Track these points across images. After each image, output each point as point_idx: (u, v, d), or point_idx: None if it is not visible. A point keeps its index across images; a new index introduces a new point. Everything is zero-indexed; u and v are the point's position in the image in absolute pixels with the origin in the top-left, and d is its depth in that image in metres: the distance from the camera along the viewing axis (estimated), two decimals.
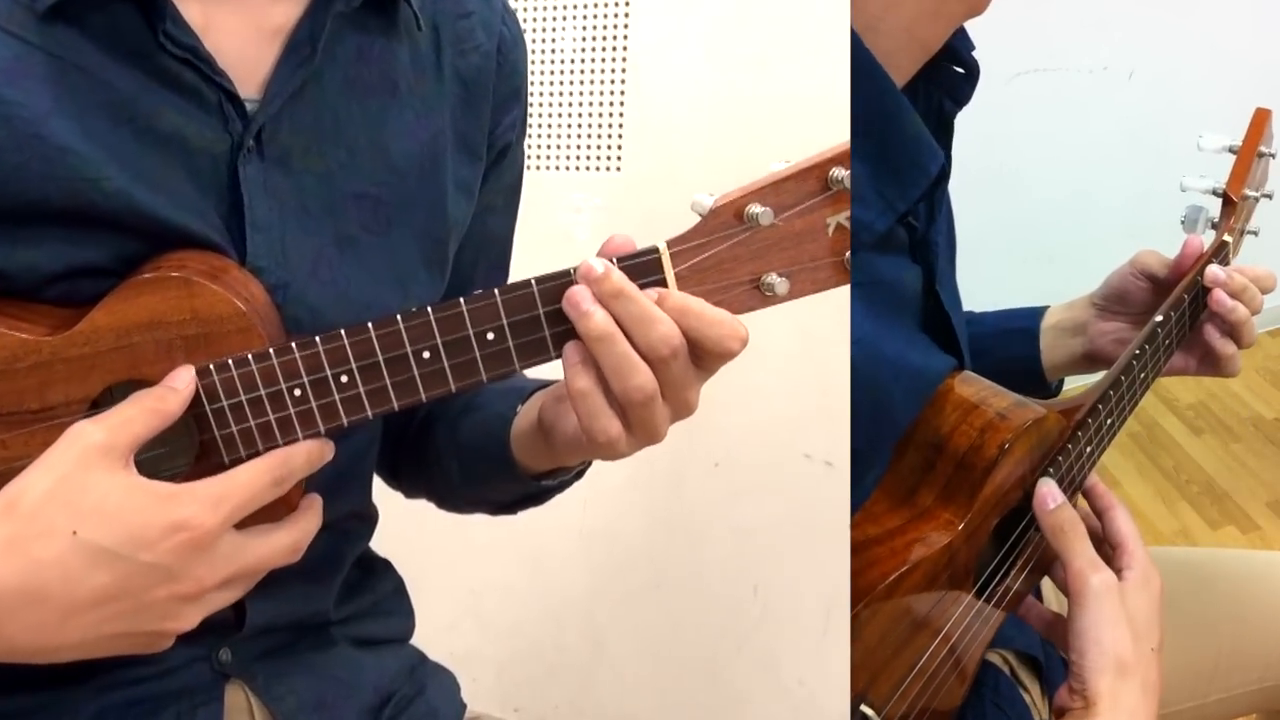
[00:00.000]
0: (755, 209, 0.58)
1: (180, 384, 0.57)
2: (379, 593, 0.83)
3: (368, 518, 0.82)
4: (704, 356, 0.59)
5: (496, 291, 0.58)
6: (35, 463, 0.54)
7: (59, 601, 0.53)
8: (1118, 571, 0.73)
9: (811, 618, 1.42)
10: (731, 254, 0.59)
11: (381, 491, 0.84)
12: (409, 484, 0.85)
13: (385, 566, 0.85)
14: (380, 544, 0.84)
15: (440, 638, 0.89)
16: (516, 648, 1.60)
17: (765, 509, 1.43)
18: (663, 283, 0.59)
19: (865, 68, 0.67)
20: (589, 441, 0.60)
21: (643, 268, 0.58)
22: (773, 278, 0.60)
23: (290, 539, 0.60)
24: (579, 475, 0.75)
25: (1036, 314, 1.00)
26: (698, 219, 0.59)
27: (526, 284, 0.58)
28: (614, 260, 0.58)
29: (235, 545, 0.57)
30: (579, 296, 0.57)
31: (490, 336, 0.59)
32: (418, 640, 0.87)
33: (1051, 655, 0.90)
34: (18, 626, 0.53)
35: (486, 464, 0.74)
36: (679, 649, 1.51)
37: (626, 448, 0.60)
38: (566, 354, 0.58)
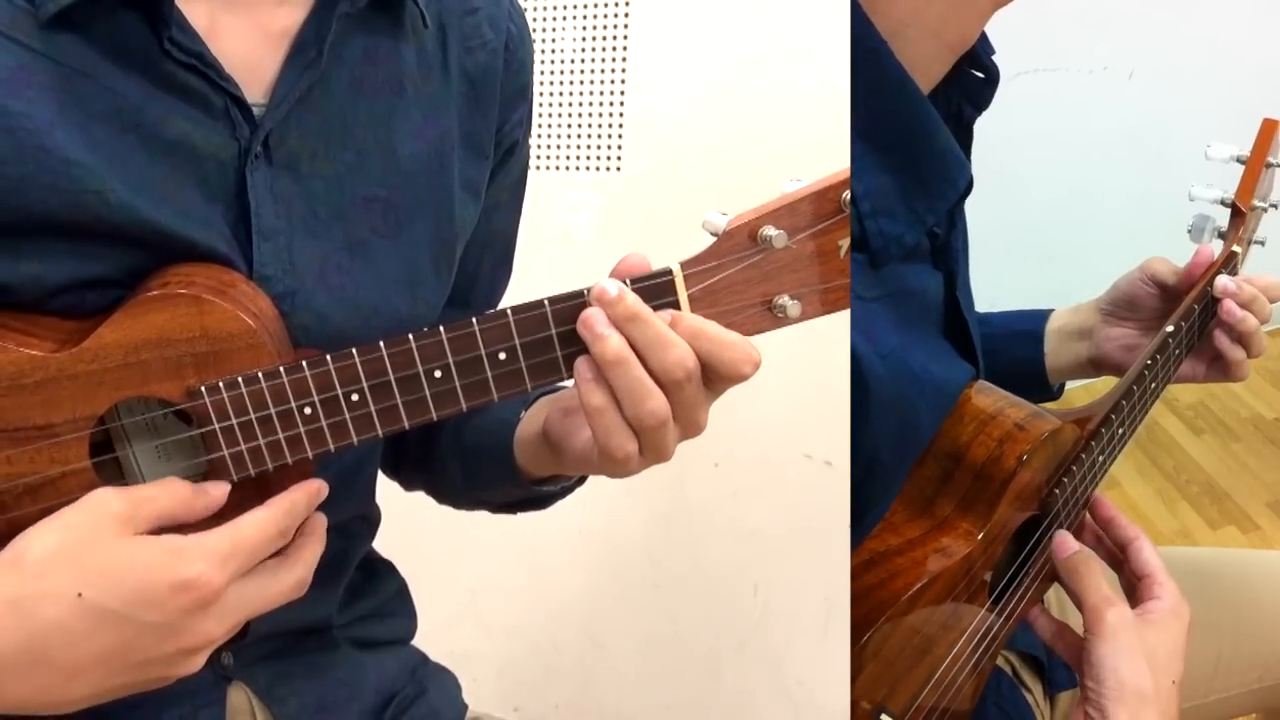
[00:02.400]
0: (769, 231, 0.58)
1: (214, 491, 0.57)
2: (382, 595, 0.83)
3: (371, 520, 0.82)
4: (716, 379, 0.58)
5: (509, 311, 0.58)
6: (48, 519, 0.54)
7: (62, 664, 0.52)
8: (1146, 601, 0.74)
9: (811, 618, 1.42)
10: (744, 276, 0.59)
11: (382, 491, 0.84)
12: (407, 478, 0.85)
13: (388, 568, 0.85)
14: (380, 544, 0.84)
15: (440, 638, 0.89)
16: (516, 648, 1.60)
17: (765, 509, 1.43)
18: (675, 304, 0.58)
19: (894, 79, 0.66)
20: (603, 457, 0.59)
21: (656, 289, 0.58)
22: (784, 299, 0.59)
23: (295, 577, 0.59)
24: (580, 481, 0.75)
25: (1042, 317, 1.00)
26: (710, 237, 0.59)
27: (539, 304, 0.58)
28: (628, 281, 0.57)
29: (241, 595, 0.56)
30: (594, 319, 0.56)
31: (502, 356, 0.58)
32: (418, 640, 0.87)
33: (1054, 655, 0.90)
34: (21, 687, 0.52)
35: (489, 467, 0.73)
36: (679, 649, 1.51)
37: (638, 466, 0.60)
38: (579, 369, 0.58)
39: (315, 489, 0.60)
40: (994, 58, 0.76)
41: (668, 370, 0.56)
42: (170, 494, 0.56)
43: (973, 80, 0.75)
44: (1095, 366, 0.98)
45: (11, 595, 0.52)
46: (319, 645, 0.75)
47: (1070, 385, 1.04)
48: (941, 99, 0.73)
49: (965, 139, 0.77)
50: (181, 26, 0.58)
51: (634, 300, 0.56)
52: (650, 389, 0.56)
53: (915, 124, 0.67)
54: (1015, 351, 0.99)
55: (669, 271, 0.58)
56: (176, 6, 0.57)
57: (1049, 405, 0.77)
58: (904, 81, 0.66)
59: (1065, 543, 0.77)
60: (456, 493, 0.82)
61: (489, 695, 1.58)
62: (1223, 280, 0.89)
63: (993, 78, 0.75)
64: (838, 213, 0.59)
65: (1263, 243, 0.98)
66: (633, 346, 0.56)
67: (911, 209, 0.67)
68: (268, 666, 0.72)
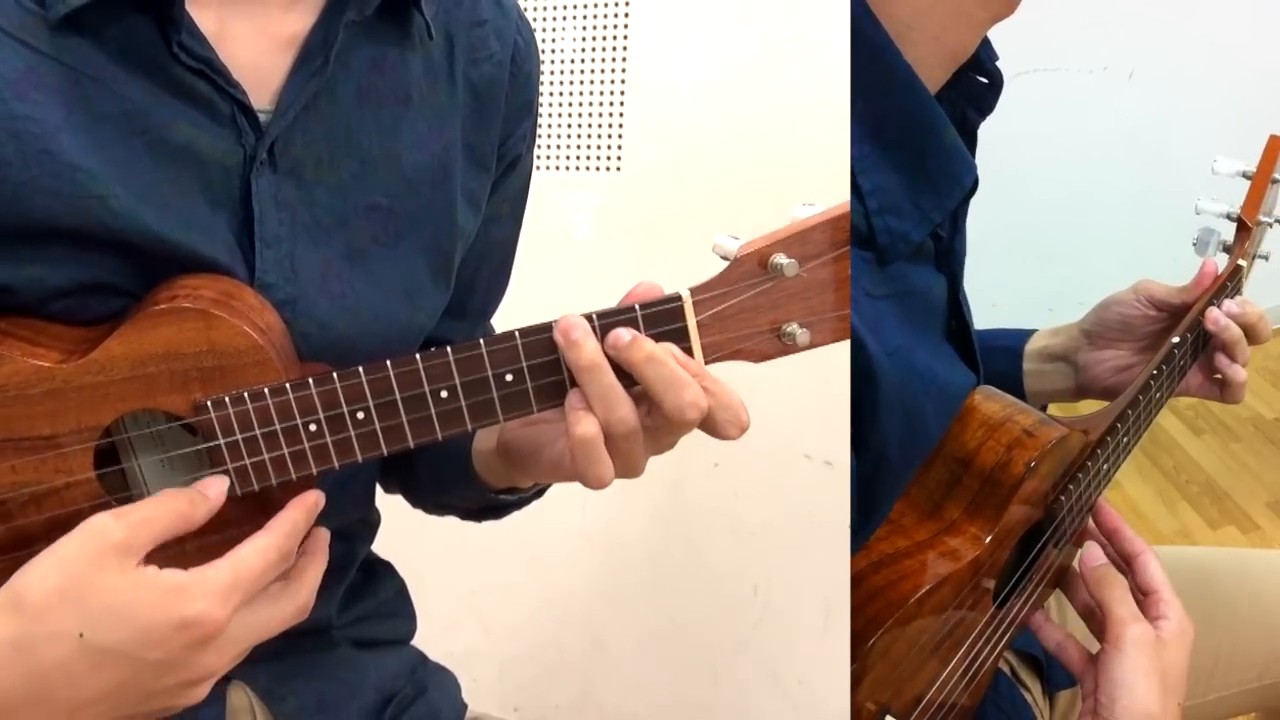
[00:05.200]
0: (780, 259, 0.58)
1: (212, 493, 0.56)
2: (381, 596, 0.83)
3: (371, 522, 0.82)
4: (703, 428, 0.59)
5: (517, 334, 0.58)
6: (47, 551, 0.53)
7: (64, 701, 0.52)
8: (1154, 619, 0.74)
9: (811, 618, 1.42)
10: (754, 303, 0.59)
11: (382, 493, 0.84)
12: (384, 481, 0.85)
13: (387, 569, 0.86)
14: (381, 545, 0.84)
15: (440, 638, 0.89)
16: (516, 648, 1.60)
17: (765, 509, 1.43)
18: (684, 331, 0.58)
19: (903, 77, 0.66)
20: (580, 480, 0.59)
21: (664, 315, 0.58)
22: (794, 327, 0.60)
23: (297, 603, 0.59)
24: (538, 494, 0.76)
25: (1023, 336, 1.01)
26: (719, 260, 0.59)
27: (547, 327, 0.58)
28: (638, 307, 0.58)
29: (244, 626, 0.56)
30: (571, 326, 0.57)
31: (509, 378, 0.58)
32: (418, 640, 0.87)
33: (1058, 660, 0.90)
34: None
35: (451, 473, 0.74)
36: (679, 649, 1.51)
37: (610, 481, 0.60)
38: (569, 400, 0.58)
39: (313, 502, 0.59)
40: (996, 62, 0.76)
41: (683, 409, 0.57)
42: (168, 510, 0.55)
43: (977, 85, 0.76)
44: (1080, 392, 0.98)
45: (12, 637, 0.51)
46: (318, 645, 0.76)
47: None
48: (946, 103, 0.73)
49: (969, 143, 0.77)
50: (191, 31, 0.58)
51: (649, 343, 0.57)
52: (621, 396, 0.57)
53: (923, 122, 0.67)
54: (993, 365, 0.99)
55: (678, 297, 0.58)
56: (186, 11, 0.57)
57: (1055, 412, 0.77)
58: (912, 80, 0.66)
59: (1093, 554, 0.78)
60: (424, 495, 0.82)
61: (489, 695, 1.59)
62: (1213, 312, 0.89)
63: (996, 83, 0.76)
64: (849, 241, 0.59)
65: (1266, 257, 0.99)
66: (648, 387, 0.57)
67: (918, 206, 0.68)
68: (267, 666, 0.71)
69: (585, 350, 0.57)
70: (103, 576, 0.52)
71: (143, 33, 0.57)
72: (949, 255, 0.76)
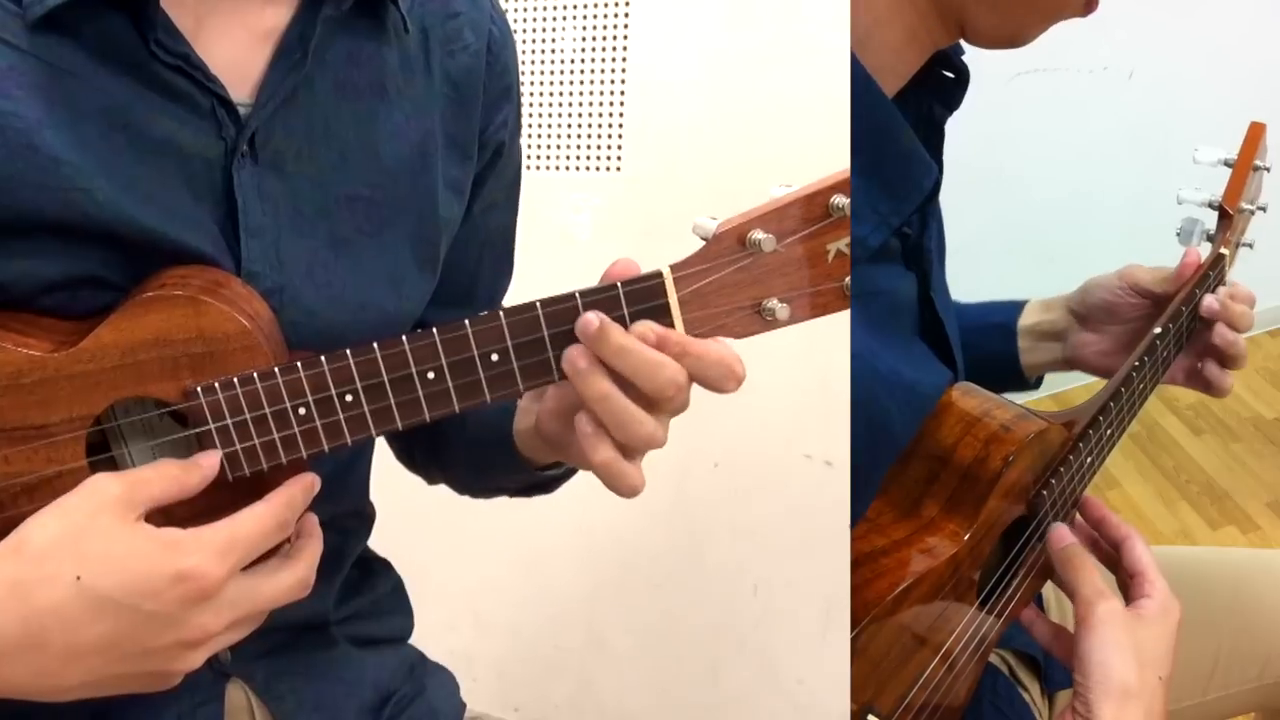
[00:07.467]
0: (758, 235, 0.58)
1: (205, 463, 0.58)
2: (378, 592, 0.83)
3: (366, 516, 0.82)
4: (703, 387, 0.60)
5: (501, 314, 0.58)
6: (48, 506, 0.54)
7: (59, 647, 0.53)
8: (1138, 599, 0.74)
9: (811, 618, 1.42)
10: (734, 279, 0.59)
11: (381, 491, 0.84)
12: (426, 472, 0.86)
13: (384, 566, 0.86)
14: (379, 543, 0.85)
15: (440, 637, 0.90)
16: (516, 647, 1.60)
17: (765, 509, 1.43)
18: (666, 308, 0.59)
19: (859, 82, 0.66)
20: (614, 491, 0.60)
21: (646, 292, 0.59)
22: (773, 303, 0.60)
23: (296, 576, 0.60)
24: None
25: (1015, 309, 1.01)
26: (700, 240, 0.59)
27: (532, 306, 0.58)
28: (619, 285, 0.58)
29: (241, 590, 0.57)
30: (576, 356, 0.57)
31: (494, 358, 0.59)
32: (417, 639, 0.87)
33: (1051, 654, 0.90)
34: (18, 670, 0.53)
35: (493, 454, 0.74)
36: (679, 649, 1.51)
37: (641, 487, 0.61)
38: (579, 425, 0.59)
39: (310, 482, 0.60)
40: (991, 57, 0.76)
41: (661, 389, 0.57)
42: (163, 475, 0.56)
43: (943, 80, 0.76)
44: (1070, 365, 0.98)
45: (11, 579, 0.52)
46: (317, 643, 0.76)
47: (1071, 384, 1.04)
48: (912, 99, 0.73)
49: (936, 139, 0.77)
50: (167, 28, 0.58)
51: (618, 334, 0.57)
52: (635, 414, 0.58)
53: (879, 126, 0.67)
54: (989, 345, 0.99)
55: (659, 275, 0.59)
56: (162, 9, 0.58)
57: (1038, 406, 0.77)
58: (868, 84, 0.66)
59: (1060, 534, 0.77)
60: (471, 483, 0.83)
61: (489, 695, 1.59)
62: (1209, 301, 0.89)
63: (963, 78, 0.76)
64: (825, 217, 0.59)
65: (1250, 245, 0.99)
66: (625, 373, 0.57)
67: (876, 210, 0.68)
68: (265, 664, 0.72)
69: (594, 382, 0.57)
70: (101, 523, 0.53)
71: (120, 31, 0.58)
72: (918, 253, 0.76)
